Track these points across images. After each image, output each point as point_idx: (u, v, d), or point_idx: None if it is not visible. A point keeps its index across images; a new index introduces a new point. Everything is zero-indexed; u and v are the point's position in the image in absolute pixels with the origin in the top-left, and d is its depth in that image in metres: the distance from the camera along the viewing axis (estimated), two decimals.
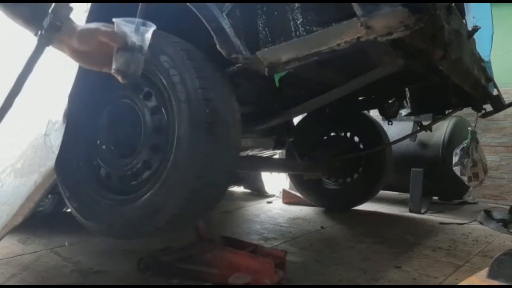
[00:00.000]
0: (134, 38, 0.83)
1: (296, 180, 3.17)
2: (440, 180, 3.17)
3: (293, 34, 1.16)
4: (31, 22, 0.79)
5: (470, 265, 1.81)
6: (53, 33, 0.79)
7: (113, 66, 0.83)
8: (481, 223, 2.69)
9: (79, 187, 1.39)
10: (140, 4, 0.92)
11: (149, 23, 0.85)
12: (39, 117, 1.39)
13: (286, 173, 3.80)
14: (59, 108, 1.32)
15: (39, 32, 0.78)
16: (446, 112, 2.56)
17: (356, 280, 1.60)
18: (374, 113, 3.03)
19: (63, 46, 0.82)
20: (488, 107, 2.28)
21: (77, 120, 1.38)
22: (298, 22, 1.15)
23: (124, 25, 0.83)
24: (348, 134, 2.99)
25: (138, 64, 0.84)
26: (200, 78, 1.20)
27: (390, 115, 2.52)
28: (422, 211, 3.06)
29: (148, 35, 0.85)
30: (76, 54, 0.83)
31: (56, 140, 1.30)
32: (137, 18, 0.84)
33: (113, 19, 0.83)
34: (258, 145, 2.31)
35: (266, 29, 1.22)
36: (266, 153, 2.74)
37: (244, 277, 1.41)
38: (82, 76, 1.30)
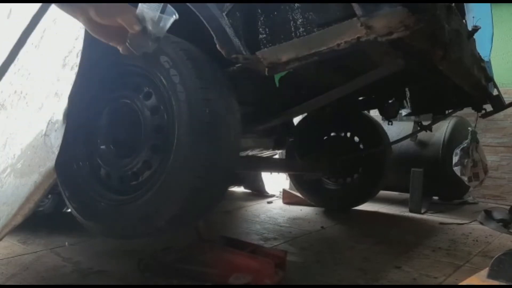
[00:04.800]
0: (152, 28, 0.84)
1: (296, 180, 3.17)
2: (440, 180, 3.17)
3: (293, 34, 1.16)
4: None
5: (470, 265, 1.81)
6: None
7: (125, 44, 0.85)
8: (481, 223, 2.69)
9: (79, 187, 1.39)
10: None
11: (171, 10, 0.86)
12: (39, 117, 1.39)
13: (286, 173, 3.81)
14: (59, 108, 1.32)
15: None
16: (446, 112, 2.56)
17: (356, 280, 1.60)
18: (374, 113, 3.03)
19: (78, 13, 0.82)
20: (488, 107, 2.28)
21: (77, 120, 1.38)
22: (298, 22, 1.15)
23: (147, 13, 0.84)
24: (348, 134, 2.99)
25: (147, 50, 0.88)
26: (200, 78, 1.19)
27: (390, 115, 2.52)
28: (422, 211, 3.06)
29: (168, 25, 0.86)
30: (90, 23, 0.84)
31: (56, 140, 1.30)
32: (160, 13, 0.85)
33: (139, 5, 0.84)
34: (258, 145, 2.31)
35: (266, 29, 1.22)
36: (266, 153, 2.74)
37: (244, 277, 1.41)
38: (82, 76, 1.30)
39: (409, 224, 2.75)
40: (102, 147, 1.41)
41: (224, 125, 1.22)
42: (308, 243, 2.18)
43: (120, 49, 0.90)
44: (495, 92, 2.21)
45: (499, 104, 2.21)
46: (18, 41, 0.81)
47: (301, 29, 1.14)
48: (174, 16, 0.87)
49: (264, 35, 1.22)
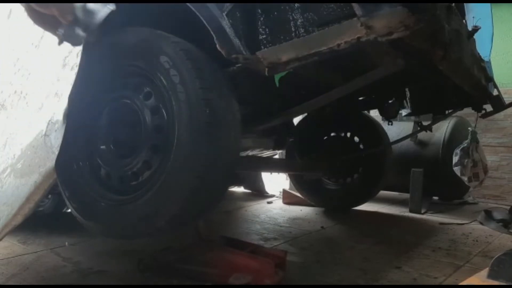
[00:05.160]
0: (83, 17, 0.93)
1: (296, 180, 3.17)
2: (440, 180, 3.17)
3: (293, 34, 1.16)
4: None
5: (470, 265, 1.81)
6: None
7: (57, 32, 0.97)
8: (481, 223, 2.69)
9: (79, 187, 1.39)
10: None
11: (110, 5, 0.93)
12: (39, 117, 1.39)
13: (286, 173, 3.81)
14: (59, 108, 1.32)
15: None
16: (446, 112, 2.56)
17: (356, 280, 1.60)
18: (374, 113, 3.03)
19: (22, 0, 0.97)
20: (488, 107, 2.28)
21: (77, 120, 1.38)
22: (298, 22, 1.15)
23: (79, 4, 0.95)
24: (348, 134, 2.99)
25: (77, 39, 0.99)
26: (200, 78, 1.19)
27: (390, 115, 2.52)
28: (422, 211, 3.06)
29: (101, 15, 0.95)
30: (30, 10, 0.97)
31: (56, 140, 1.30)
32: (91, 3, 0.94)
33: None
34: (258, 145, 2.31)
35: (266, 29, 1.22)
36: (266, 153, 2.74)
37: (244, 277, 1.41)
38: (82, 77, 1.30)
39: (409, 224, 2.76)
40: (102, 147, 1.41)
41: (224, 125, 1.22)
42: (308, 243, 2.18)
43: (57, 39, 1.01)
44: (495, 92, 2.21)
45: (499, 104, 2.20)
46: None
47: (301, 29, 1.14)
48: (109, 7, 0.94)
49: (264, 35, 1.22)
